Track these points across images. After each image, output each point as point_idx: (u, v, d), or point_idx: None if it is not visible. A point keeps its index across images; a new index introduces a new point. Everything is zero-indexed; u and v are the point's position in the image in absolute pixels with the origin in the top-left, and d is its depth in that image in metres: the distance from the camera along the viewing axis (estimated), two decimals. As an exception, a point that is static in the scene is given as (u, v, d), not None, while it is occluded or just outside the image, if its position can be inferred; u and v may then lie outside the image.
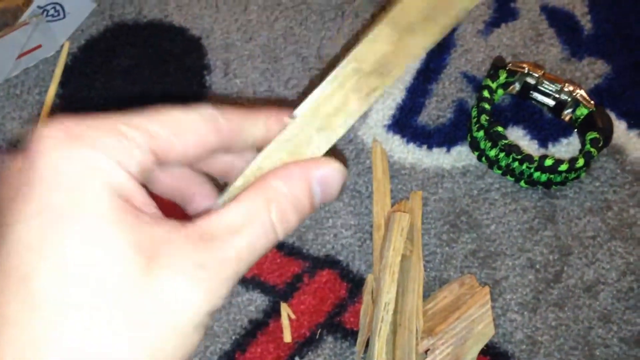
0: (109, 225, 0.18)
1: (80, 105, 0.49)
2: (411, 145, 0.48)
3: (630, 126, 0.49)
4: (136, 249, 0.18)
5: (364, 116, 0.49)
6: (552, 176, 0.45)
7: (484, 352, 0.41)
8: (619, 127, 0.49)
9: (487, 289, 0.41)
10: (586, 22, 0.53)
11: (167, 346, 0.18)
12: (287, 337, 0.42)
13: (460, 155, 0.48)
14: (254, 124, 0.22)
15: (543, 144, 0.48)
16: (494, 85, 0.47)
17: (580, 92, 0.46)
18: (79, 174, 0.18)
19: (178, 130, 0.20)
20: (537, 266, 0.44)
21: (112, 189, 0.18)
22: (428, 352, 0.40)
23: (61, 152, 0.18)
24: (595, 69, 0.51)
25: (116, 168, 0.18)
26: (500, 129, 0.45)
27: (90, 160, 0.18)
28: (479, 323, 0.40)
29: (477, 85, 0.50)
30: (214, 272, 0.19)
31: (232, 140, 0.22)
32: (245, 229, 0.20)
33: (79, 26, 0.51)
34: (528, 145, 0.48)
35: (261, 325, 0.42)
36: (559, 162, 0.44)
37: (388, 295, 0.40)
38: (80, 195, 0.18)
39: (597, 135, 0.45)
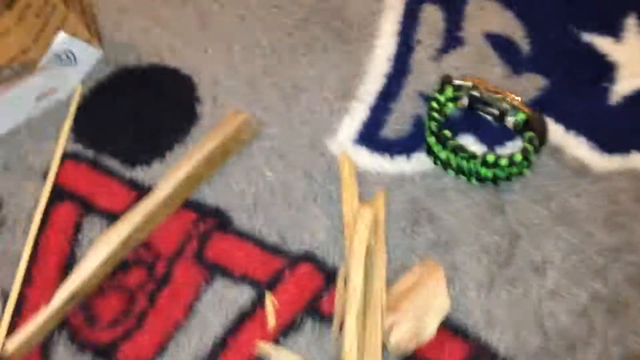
0: None
1: (91, 139, 0.57)
2: (376, 155, 0.55)
3: (567, 128, 0.55)
4: None
5: (334, 133, 0.57)
6: (496, 171, 0.51)
7: (447, 327, 0.46)
8: (558, 129, 0.55)
9: (441, 268, 0.47)
10: (525, 45, 0.61)
11: None
12: (272, 322, 0.48)
13: (419, 161, 0.55)
14: None
15: (490, 148, 0.55)
16: (442, 99, 0.54)
17: (518, 99, 0.54)
18: None
19: None
20: (491, 251, 0.50)
21: None
22: (393, 327, 0.45)
23: None
24: (535, 83, 0.58)
25: None
26: (447, 132, 0.52)
27: None
28: (435, 298, 0.46)
29: (432, 102, 0.57)
30: None
31: None
32: None
33: (88, 71, 0.60)
34: (478, 150, 0.55)
35: (249, 314, 0.48)
36: (499, 157, 0.51)
37: (356, 278, 0.46)
38: None
39: (533, 135, 0.52)
